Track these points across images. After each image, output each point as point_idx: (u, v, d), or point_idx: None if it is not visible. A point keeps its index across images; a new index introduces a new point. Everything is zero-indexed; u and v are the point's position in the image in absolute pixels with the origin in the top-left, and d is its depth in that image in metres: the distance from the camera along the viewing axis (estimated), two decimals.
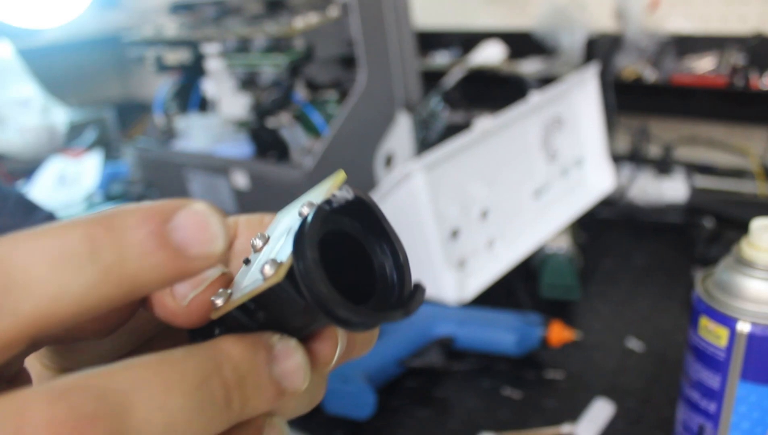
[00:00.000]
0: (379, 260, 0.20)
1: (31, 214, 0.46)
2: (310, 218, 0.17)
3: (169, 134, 0.91)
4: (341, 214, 0.19)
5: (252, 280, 0.18)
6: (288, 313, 0.18)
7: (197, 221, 0.16)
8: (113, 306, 0.15)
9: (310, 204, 0.18)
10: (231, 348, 0.17)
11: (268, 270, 0.17)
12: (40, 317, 0.14)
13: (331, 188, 0.19)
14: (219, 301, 0.18)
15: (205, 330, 0.19)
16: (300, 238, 0.17)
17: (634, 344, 0.61)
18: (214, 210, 0.16)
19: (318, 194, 0.19)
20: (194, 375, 0.15)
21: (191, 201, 0.16)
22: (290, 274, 0.17)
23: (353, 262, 0.20)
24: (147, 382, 0.15)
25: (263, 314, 0.18)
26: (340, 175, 0.19)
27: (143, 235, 0.15)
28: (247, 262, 0.20)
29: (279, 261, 0.17)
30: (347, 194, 0.18)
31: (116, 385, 0.14)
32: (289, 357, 0.18)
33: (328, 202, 0.18)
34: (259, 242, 0.20)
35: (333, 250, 0.18)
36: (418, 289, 0.20)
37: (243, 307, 0.18)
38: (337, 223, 0.19)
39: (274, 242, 0.19)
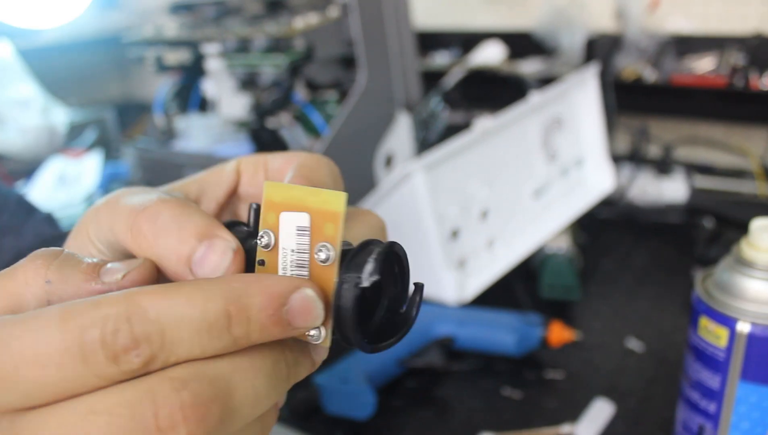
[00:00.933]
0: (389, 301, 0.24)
1: (32, 215, 0.46)
2: (348, 304, 0.21)
3: (169, 134, 0.91)
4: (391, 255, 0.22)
5: None
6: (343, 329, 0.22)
7: (306, 306, 0.20)
8: None
9: (326, 250, 0.21)
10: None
11: (314, 335, 0.21)
12: (176, 362, 0.19)
13: (336, 215, 0.21)
14: None
15: None
16: (341, 318, 0.21)
17: (634, 344, 0.61)
18: (318, 294, 0.21)
19: (323, 211, 0.21)
20: (271, 359, 0.21)
21: (303, 284, 0.21)
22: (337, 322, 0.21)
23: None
24: (243, 368, 0.20)
25: None
26: (341, 200, 0.21)
27: (265, 317, 0.20)
28: (262, 263, 0.22)
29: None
30: (375, 277, 0.21)
31: (223, 372, 0.19)
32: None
33: (358, 284, 0.21)
34: (264, 241, 0.22)
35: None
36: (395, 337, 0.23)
37: None
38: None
39: (286, 256, 0.22)
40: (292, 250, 0.21)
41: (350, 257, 0.21)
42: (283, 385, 0.21)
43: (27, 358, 0.18)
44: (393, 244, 0.22)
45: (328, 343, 0.21)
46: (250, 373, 0.20)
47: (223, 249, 0.22)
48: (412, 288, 0.24)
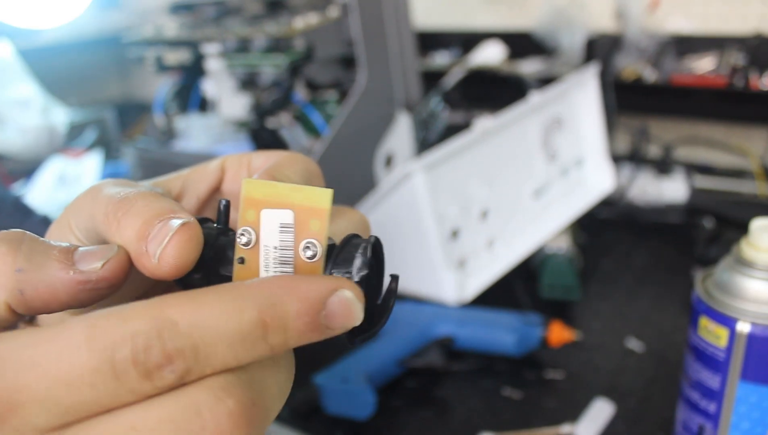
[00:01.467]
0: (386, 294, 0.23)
1: (28, 217, 0.46)
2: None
3: (169, 134, 0.91)
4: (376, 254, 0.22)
5: None
6: None
7: (345, 308, 0.20)
8: None
9: (313, 247, 0.21)
10: None
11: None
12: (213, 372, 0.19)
13: (322, 211, 0.21)
14: None
15: (186, 280, 0.22)
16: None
17: (634, 344, 0.61)
18: (358, 294, 0.20)
19: (307, 207, 0.21)
20: (289, 361, 0.21)
21: (341, 284, 0.20)
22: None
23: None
24: (271, 366, 0.20)
25: None
26: (327, 197, 0.21)
27: (302, 324, 0.19)
28: (241, 261, 0.21)
29: None
30: (364, 272, 0.21)
31: (257, 374, 0.20)
32: None
33: (347, 278, 0.21)
34: (244, 238, 0.21)
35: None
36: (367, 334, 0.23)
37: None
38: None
39: (269, 253, 0.21)
40: (275, 247, 0.21)
41: (336, 253, 0.21)
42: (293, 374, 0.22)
43: (57, 379, 0.18)
44: (377, 239, 0.22)
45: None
46: (275, 370, 0.20)
47: (178, 225, 0.21)
48: (387, 279, 0.23)
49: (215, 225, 0.24)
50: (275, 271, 0.21)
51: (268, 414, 0.20)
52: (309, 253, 0.21)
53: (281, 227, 0.21)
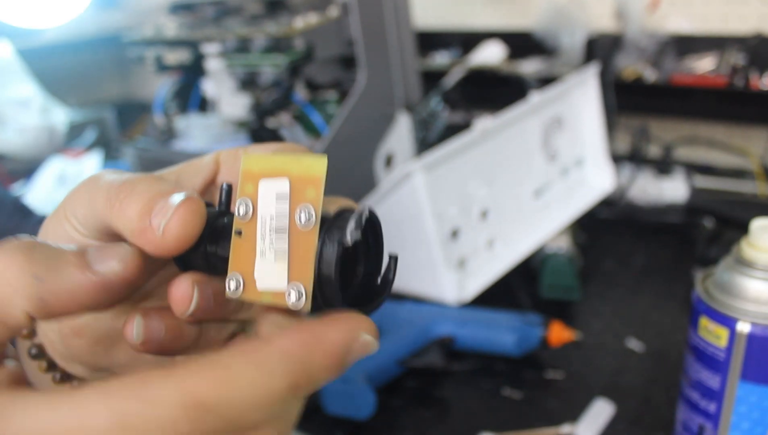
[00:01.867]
0: (368, 265, 0.23)
1: (28, 217, 0.46)
2: (331, 263, 0.21)
3: (169, 134, 0.91)
4: (369, 224, 0.22)
5: (269, 277, 0.21)
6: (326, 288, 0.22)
7: (365, 350, 0.21)
8: None
9: (308, 211, 0.21)
10: None
11: (295, 299, 0.21)
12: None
13: (316, 178, 0.21)
14: (232, 287, 0.22)
15: (185, 259, 0.23)
16: (323, 280, 0.21)
17: (634, 344, 0.61)
18: (374, 335, 0.21)
19: (304, 177, 0.21)
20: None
21: (359, 325, 0.21)
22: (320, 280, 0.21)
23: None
24: (294, 410, 0.20)
25: None
26: (322, 164, 0.21)
27: (330, 374, 0.20)
28: (239, 233, 0.22)
29: (300, 287, 0.21)
30: (356, 235, 0.21)
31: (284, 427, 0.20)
32: None
33: (341, 241, 0.21)
34: (242, 210, 0.22)
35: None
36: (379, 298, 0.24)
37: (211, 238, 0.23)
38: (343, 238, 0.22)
39: (265, 223, 0.22)
40: (271, 217, 0.21)
41: (330, 221, 0.21)
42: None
43: None
44: (371, 209, 0.22)
45: (308, 308, 0.21)
46: (296, 409, 0.21)
47: (182, 198, 0.21)
48: (386, 259, 0.24)
49: (215, 208, 0.24)
50: (271, 240, 0.21)
51: None
52: (303, 217, 0.21)
53: (278, 196, 0.21)
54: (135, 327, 0.24)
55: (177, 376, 0.18)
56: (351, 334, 0.20)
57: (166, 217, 0.21)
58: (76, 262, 0.21)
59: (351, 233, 0.21)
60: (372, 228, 0.23)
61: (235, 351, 0.19)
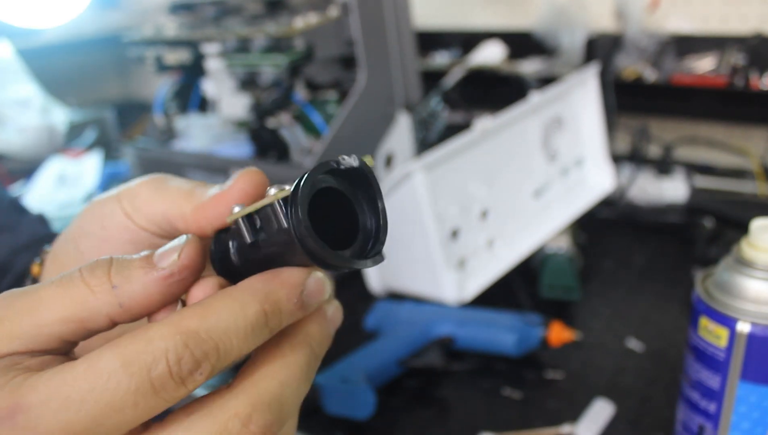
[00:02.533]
0: (364, 218, 0.25)
1: (24, 215, 0.47)
2: (315, 166, 0.23)
3: (169, 134, 0.91)
4: (344, 178, 0.25)
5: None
6: (278, 240, 0.24)
7: (319, 286, 0.25)
8: None
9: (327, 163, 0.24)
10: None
11: (272, 191, 0.24)
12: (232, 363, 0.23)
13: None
14: (236, 209, 0.25)
15: (221, 241, 0.27)
16: (301, 179, 0.23)
17: (634, 344, 0.61)
18: (326, 275, 0.26)
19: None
20: (306, 366, 0.26)
21: (311, 270, 0.25)
22: (285, 201, 0.23)
23: (345, 218, 0.25)
24: (290, 383, 0.25)
25: (263, 235, 0.25)
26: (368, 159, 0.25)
27: (293, 306, 0.24)
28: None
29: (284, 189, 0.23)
30: (353, 161, 0.24)
31: (276, 394, 0.24)
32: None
33: (336, 161, 0.23)
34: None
35: (331, 205, 0.24)
36: (380, 251, 0.25)
37: (251, 220, 0.25)
38: (339, 183, 0.25)
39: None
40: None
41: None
42: (314, 372, 0.26)
43: (104, 409, 0.21)
44: (360, 159, 0.24)
45: (281, 196, 0.23)
46: (295, 384, 0.25)
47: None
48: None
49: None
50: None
51: (287, 419, 0.25)
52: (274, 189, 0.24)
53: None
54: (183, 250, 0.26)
55: (170, 319, 0.22)
56: (304, 272, 0.25)
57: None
58: (142, 264, 0.24)
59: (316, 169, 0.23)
60: (358, 178, 0.25)
61: (216, 294, 0.24)
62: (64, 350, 0.24)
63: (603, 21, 1.07)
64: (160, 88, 0.93)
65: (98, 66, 1.74)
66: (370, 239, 0.25)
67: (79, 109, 1.37)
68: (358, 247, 0.25)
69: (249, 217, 0.25)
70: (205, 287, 0.25)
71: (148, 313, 0.25)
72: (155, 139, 0.92)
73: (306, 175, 0.23)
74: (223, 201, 0.27)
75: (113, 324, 0.24)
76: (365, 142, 0.78)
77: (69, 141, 1.28)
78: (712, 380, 0.41)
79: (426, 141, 0.86)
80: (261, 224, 0.25)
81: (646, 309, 0.67)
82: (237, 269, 0.26)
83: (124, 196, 0.29)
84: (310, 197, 0.23)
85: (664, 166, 0.92)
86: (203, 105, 0.93)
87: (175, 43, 0.88)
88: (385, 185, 0.65)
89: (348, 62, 0.79)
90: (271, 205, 0.23)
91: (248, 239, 0.25)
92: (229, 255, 0.26)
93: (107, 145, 1.29)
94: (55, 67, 1.54)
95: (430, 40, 1.23)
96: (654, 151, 0.98)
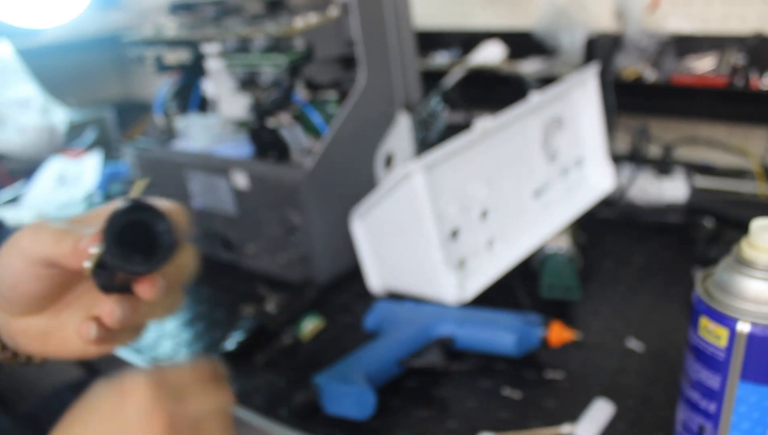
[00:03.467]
0: (160, 236, 0.34)
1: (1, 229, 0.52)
2: (112, 216, 0.33)
3: (169, 134, 0.91)
4: (138, 210, 0.34)
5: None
6: (118, 268, 0.34)
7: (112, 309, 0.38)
8: None
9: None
10: None
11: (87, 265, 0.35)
12: None
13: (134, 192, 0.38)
14: (92, 250, 0.35)
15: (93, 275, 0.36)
16: (104, 229, 0.33)
17: (634, 344, 0.61)
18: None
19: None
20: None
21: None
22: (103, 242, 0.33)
23: (148, 237, 0.34)
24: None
25: (111, 271, 0.35)
26: (141, 183, 0.40)
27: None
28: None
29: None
30: (125, 203, 0.33)
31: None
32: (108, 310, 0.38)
33: (121, 206, 0.33)
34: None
35: (135, 229, 0.33)
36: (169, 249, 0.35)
37: (101, 263, 0.35)
38: (137, 214, 0.34)
39: None
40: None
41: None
42: None
43: None
44: (131, 203, 0.34)
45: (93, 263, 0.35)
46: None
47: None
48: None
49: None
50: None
51: None
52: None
53: None
54: (90, 328, 0.38)
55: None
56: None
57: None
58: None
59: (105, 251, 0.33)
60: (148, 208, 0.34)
61: None
62: None
63: (603, 21, 1.07)
64: (160, 88, 0.93)
65: (98, 66, 1.74)
66: (168, 248, 0.34)
67: (79, 109, 1.37)
68: (160, 255, 0.34)
69: (99, 259, 0.34)
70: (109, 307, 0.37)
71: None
72: (155, 139, 0.92)
73: (106, 226, 0.33)
74: (92, 243, 0.34)
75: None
76: (365, 142, 0.78)
77: (69, 141, 1.28)
78: (712, 380, 0.41)
79: (426, 141, 0.86)
80: (108, 262, 0.34)
81: (646, 309, 0.67)
82: (110, 290, 0.37)
83: (13, 245, 0.37)
84: (113, 237, 0.33)
85: (664, 166, 0.92)
86: (203, 105, 0.93)
87: (175, 43, 0.88)
88: (385, 185, 0.65)
89: (348, 62, 0.79)
90: (101, 252, 0.34)
91: (100, 280, 0.36)
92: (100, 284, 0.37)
93: (107, 145, 1.29)
94: (55, 67, 1.53)
95: (430, 40, 1.23)
96: (654, 151, 0.98)
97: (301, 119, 0.77)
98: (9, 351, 0.43)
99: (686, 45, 1.00)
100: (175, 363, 0.39)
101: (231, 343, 0.65)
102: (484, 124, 0.67)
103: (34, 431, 0.61)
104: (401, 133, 0.82)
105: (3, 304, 0.40)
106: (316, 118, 0.77)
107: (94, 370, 0.74)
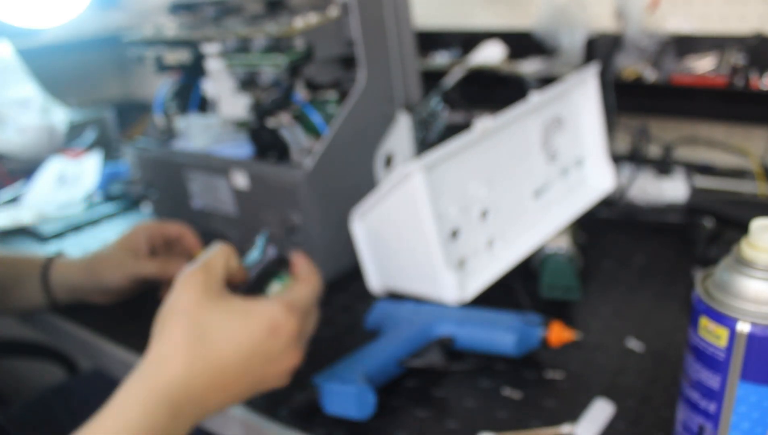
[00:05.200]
0: None
1: None
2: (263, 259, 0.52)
3: (169, 134, 0.91)
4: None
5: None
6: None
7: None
8: None
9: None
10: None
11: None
12: None
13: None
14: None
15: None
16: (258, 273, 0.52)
17: (634, 344, 0.61)
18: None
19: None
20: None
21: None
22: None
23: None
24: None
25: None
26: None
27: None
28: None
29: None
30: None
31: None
32: None
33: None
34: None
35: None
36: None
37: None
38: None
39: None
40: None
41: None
42: None
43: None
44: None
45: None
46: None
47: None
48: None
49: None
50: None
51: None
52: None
53: None
54: None
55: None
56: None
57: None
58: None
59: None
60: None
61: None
62: None
63: (603, 21, 1.07)
64: (160, 88, 0.93)
65: (98, 66, 1.74)
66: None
67: (79, 109, 1.37)
68: None
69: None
70: None
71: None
72: (155, 139, 0.92)
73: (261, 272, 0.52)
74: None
75: None
76: (365, 142, 0.78)
77: (69, 141, 1.28)
78: (712, 380, 0.41)
79: (426, 141, 0.86)
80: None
81: (646, 309, 0.67)
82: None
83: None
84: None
85: (664, 166, 0.92)
86: (203, 105, 0.93)
87: (175, 43, 0.88)
88: (385, 185, 0.65)
89: (348, 62, 0.79)
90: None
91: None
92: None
93: (107, 145, 1.29)
94: (55, 67, 1.54)
95: (430, 40, 1.23)
96: (654, 151, 0.98)
97: (301, 119, 0.77)
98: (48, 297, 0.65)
99: (686, 45, 1.00)
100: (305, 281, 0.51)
101: None
102: (484, 124, 0.67)
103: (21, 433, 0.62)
104: (401, 133, 0.82)
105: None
106: (316, 118, 0.77)
107: (77, 373, 0.76)
